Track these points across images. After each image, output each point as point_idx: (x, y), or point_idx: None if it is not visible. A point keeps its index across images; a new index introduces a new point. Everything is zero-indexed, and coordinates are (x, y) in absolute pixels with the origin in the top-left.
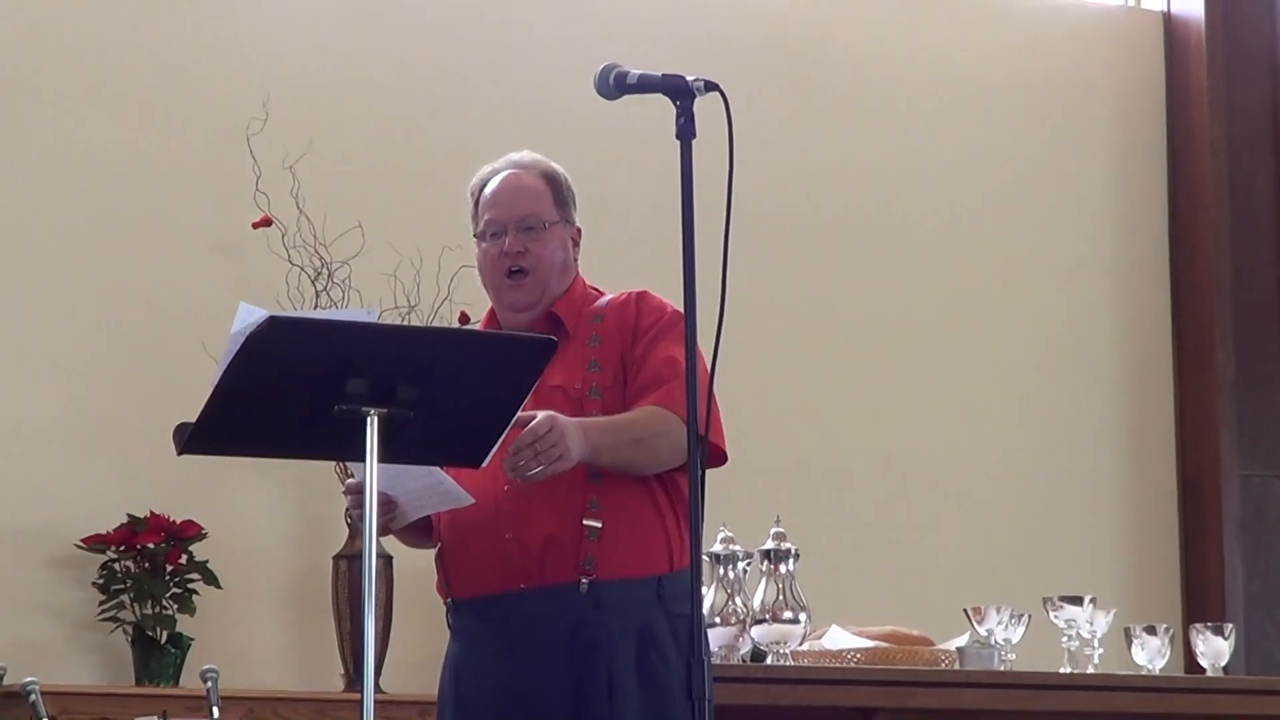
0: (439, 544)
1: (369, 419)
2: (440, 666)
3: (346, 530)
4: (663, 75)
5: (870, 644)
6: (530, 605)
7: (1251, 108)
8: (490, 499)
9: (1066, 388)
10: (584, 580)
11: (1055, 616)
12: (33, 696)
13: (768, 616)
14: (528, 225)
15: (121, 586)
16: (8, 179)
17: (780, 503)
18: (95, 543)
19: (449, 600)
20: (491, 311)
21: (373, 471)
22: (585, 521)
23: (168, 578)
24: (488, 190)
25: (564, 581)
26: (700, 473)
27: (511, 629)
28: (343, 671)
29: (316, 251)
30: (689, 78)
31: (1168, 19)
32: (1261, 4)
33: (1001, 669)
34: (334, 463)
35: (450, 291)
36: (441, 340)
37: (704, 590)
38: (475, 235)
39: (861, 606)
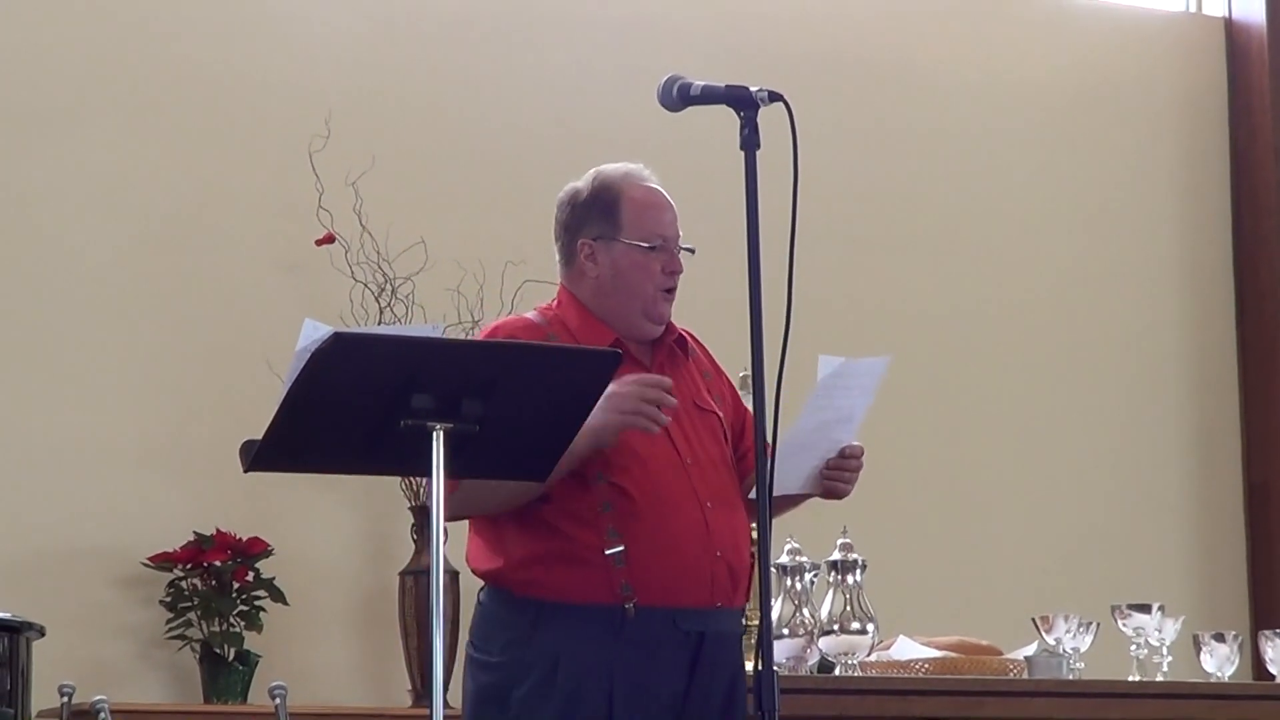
0: (618, 548)
1: (435, 434)
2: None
3: (413, 546)
4: (726, 86)
5: (938, 654)
6: (724, 624)
7: None
8: (697, 514)
9: (1132, 395)
10: (746, 606)
11: (1123, 624)
12: (102, 715)
13: (835, 627)
14: (679, 247)
15: (189, 604)
16: (72, 200)
17: (846, 513)
18: (162, 561)
19: (629, 605)
20: (584, 315)
21: (439, 487)
22: (753, 550)
23: (235, 595)
24: (642, 197)
25: (740, 605)
26: (769, 490)
27: (704, 645)
28: (410, 687)
29: (380, 268)
30: (753, 89)
31: (1229, 25)
32: None
33: (1070, 678)
34: (399, 478)
35: (514, 306)
36: (506, 354)
37: (773, 603)
38: (622, 240)
39: (929, 616)
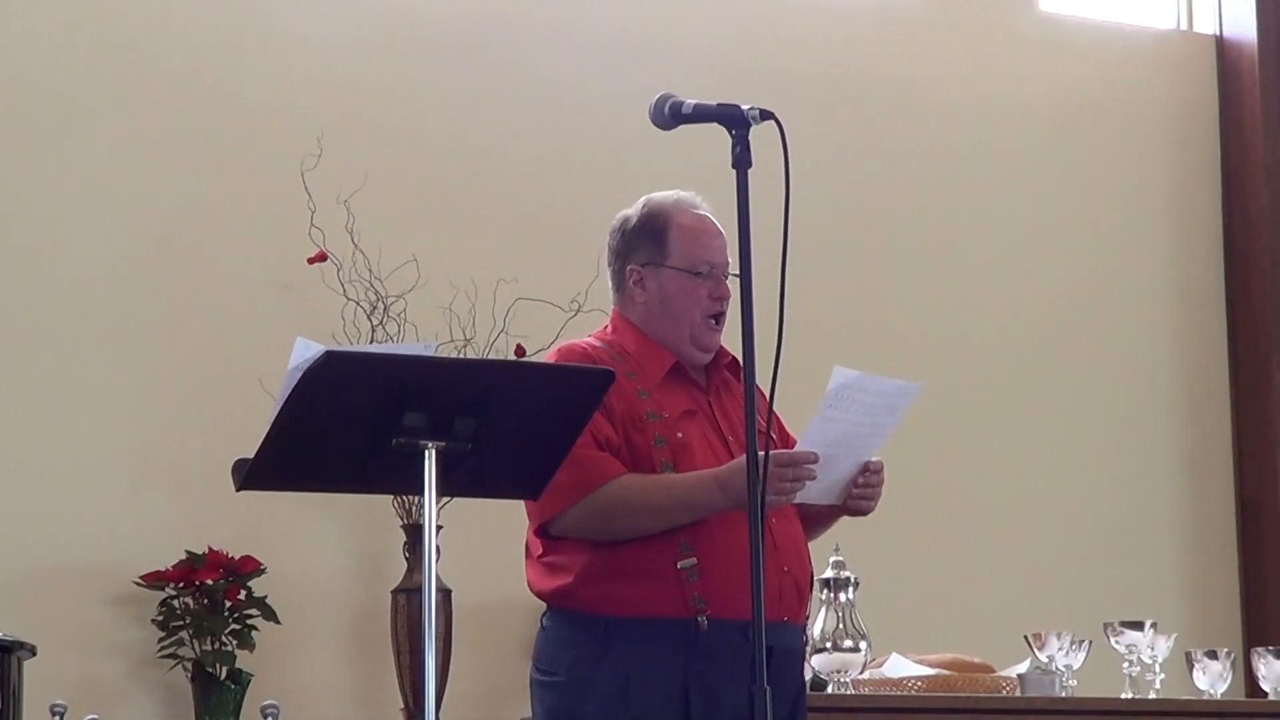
0: (690, 560)
1: (427, 452)
2: (607, 682)
3: (405, 564)
4: (718, 105)
5: (931, 672)
6: (789, 638)
7: None
8: (764, 529)
9: (1124, 413)
10: (806, 621)
11: (1116, 642)
12: None
13: (828, 645)
14: (727, 274)
15: (181, 623)
16: (63, 218)
17: (839, 531)
18: (154, 580)
19: (702, 618)
20: (641, 340)
21: (432, 506)
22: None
23: (227, 614)
24: (690, 224)
25: (802, 622)
26: (761, 507)
27: (772, 659)
28: (403, 705)
29: (372, 286)
30: (744, 107)
31: (1220, 43)
32: None
33: (1063, 695)
34: (392, 496)
35: (506, 324)
36: (499, 372)
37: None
38: (668, 266)
39: (921, 634)
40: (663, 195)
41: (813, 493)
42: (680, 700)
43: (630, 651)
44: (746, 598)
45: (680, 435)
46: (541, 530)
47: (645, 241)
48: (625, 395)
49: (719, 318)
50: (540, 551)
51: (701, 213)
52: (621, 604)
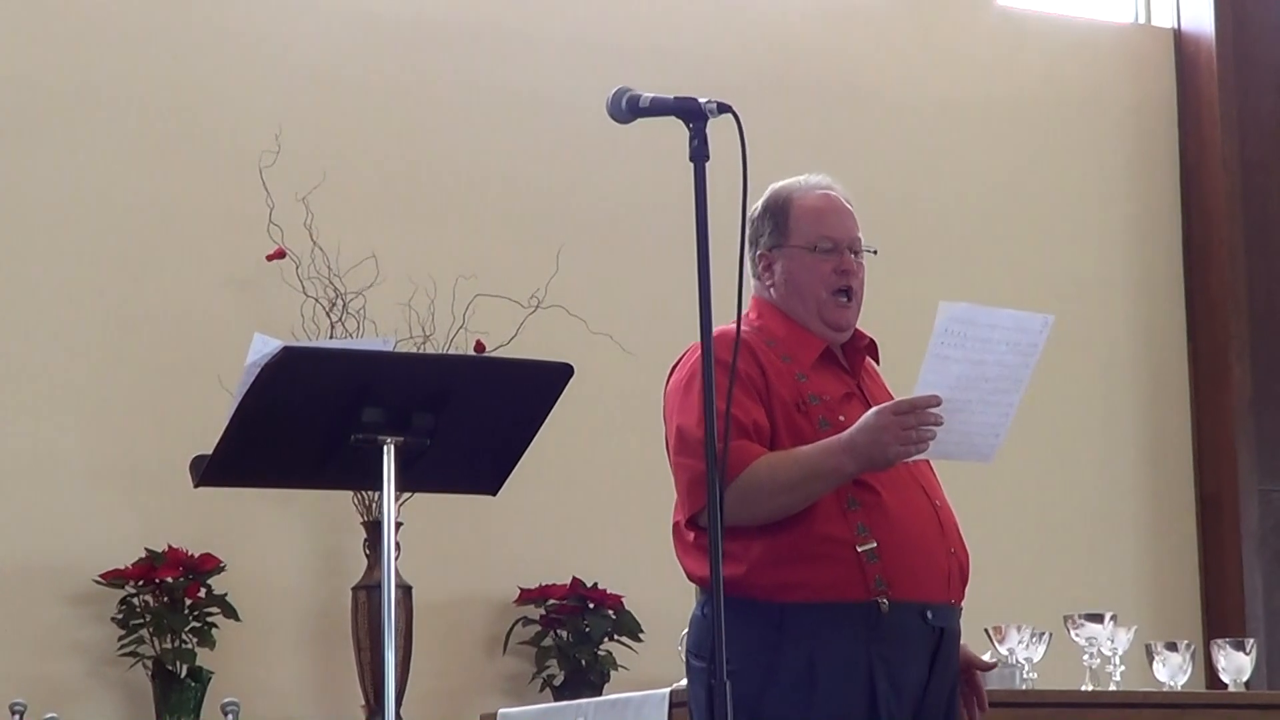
0: (871, 544)
1: (386, 448)
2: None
3: (365, 561)
4: (675, 98)
5: None
6: (955, 621)
7: (1263, 123)
8: (930, 511)
9: (1084, 407)
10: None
11: (1076, 634)
12: None
13: None
14: (856, 249)
15: (141, 621)
16: (22, 217)
17: None
18: (114, 578)
19: (883, 600)
20: (789, 324)
21: (390, 502)
22: None
23: (187, 611)
24: (812, 203)
25: (961, 604)
26: (719, 498)
27: (944, 639)
28: (363, 702)
29: (331, 283)
30: (701, 100)
31: (1178, 36)
32: (1271, 19)
33: (1023, 688)
34: (351, 493)
35: (465, 320)
36: (457, 367)
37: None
38: (791, 245)
39: None
40: (788, 180)
41: (952, 448)
42: (866, 684)
43: (811, 636)
44: (924, 579)
45: (843, 418)
46: (691, 522)
47: (769, 225)
48: (785, 379)
49: (848, 293)
50: (694, 537)
51: (824, 191)
52: (800, 589)
